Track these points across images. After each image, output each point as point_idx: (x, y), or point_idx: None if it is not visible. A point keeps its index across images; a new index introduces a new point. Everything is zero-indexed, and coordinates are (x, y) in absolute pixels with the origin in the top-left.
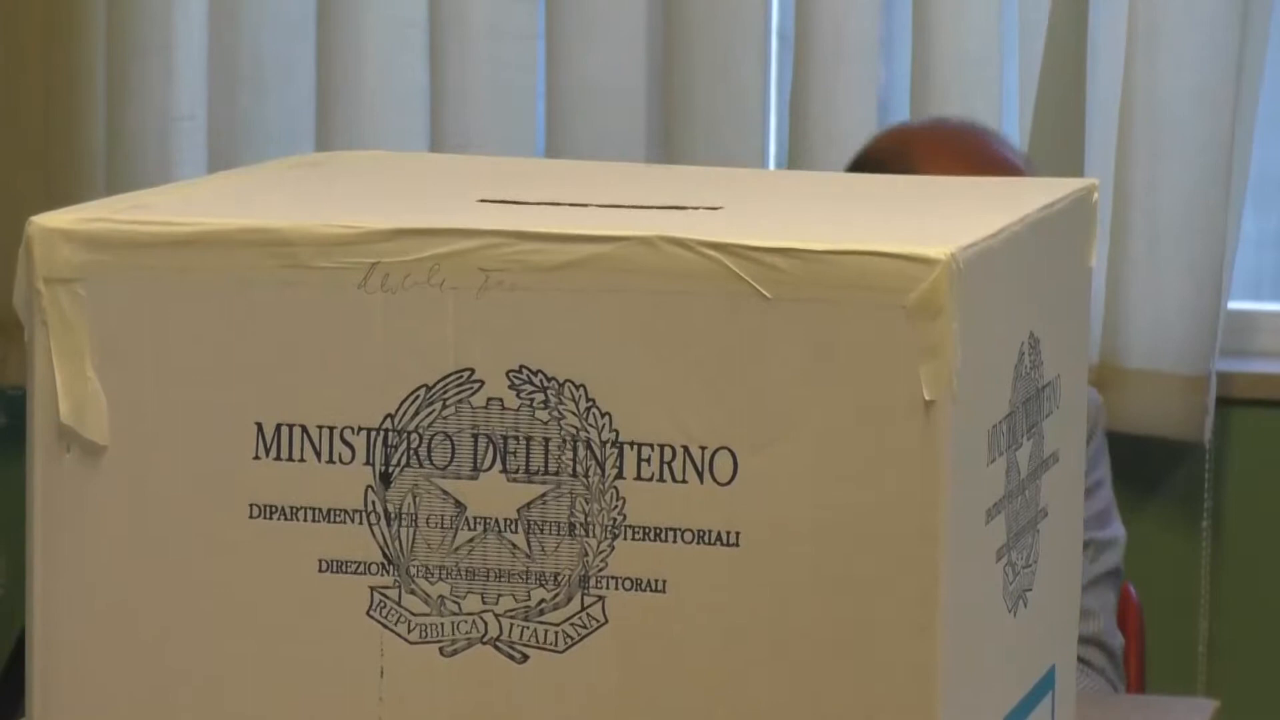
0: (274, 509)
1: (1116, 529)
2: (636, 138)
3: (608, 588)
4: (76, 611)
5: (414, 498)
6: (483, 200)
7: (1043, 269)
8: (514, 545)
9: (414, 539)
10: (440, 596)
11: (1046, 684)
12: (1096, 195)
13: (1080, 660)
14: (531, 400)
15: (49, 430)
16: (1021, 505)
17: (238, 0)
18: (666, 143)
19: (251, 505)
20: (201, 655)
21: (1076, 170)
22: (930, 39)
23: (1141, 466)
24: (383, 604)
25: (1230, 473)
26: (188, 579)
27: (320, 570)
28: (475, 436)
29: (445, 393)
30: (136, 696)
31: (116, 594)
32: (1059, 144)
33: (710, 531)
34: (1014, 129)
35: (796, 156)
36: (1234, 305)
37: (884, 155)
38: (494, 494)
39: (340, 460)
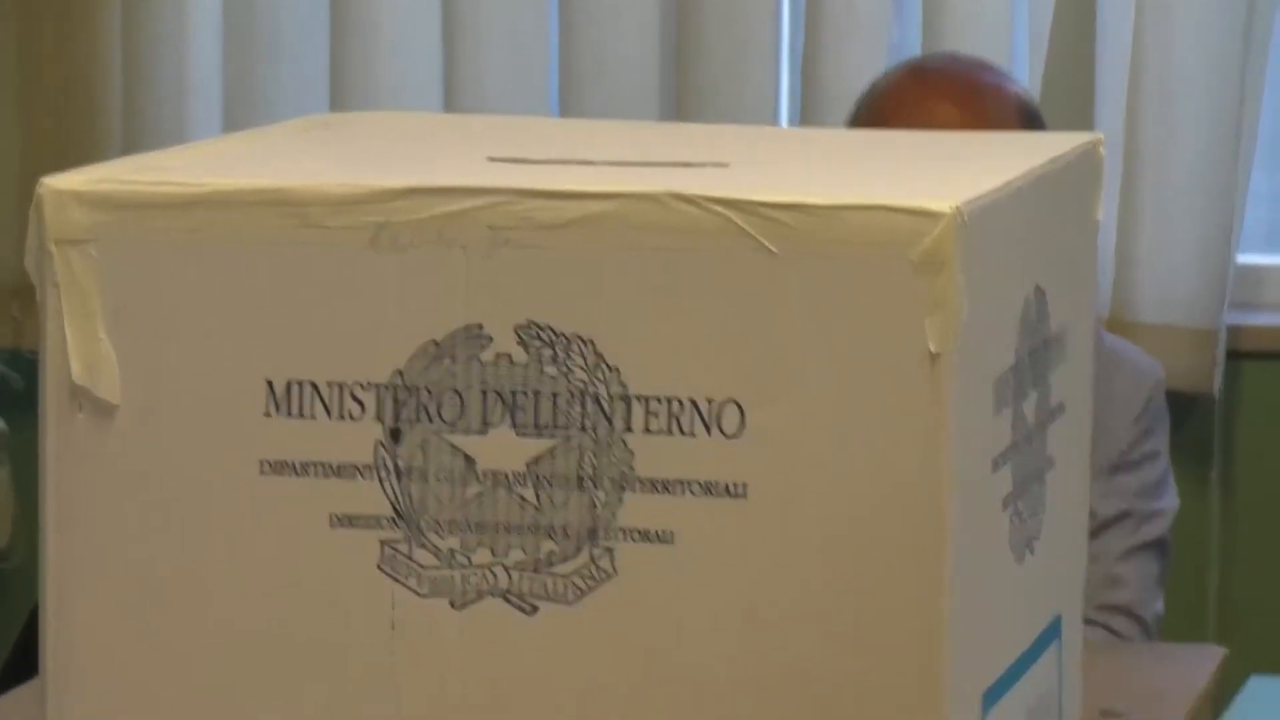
0: (285, 465)
1: (1168, 500)
2: (650, 99)
3: (616, 540)
4: (89, 569)
5: (424, 453)
6: (492, 159)
7: (1049, 222)
8: (523, 499)
9: (424, 494)
10: (450, 550)
11: (1053, 632)
12: (1103, 149)
13: (1109, 629)
14: (540, 356)
15: (61, 390)
16: (1028, 455)
17: None
18: (679, 103)
19: (262, 462)
20: (214, 610)
21: (1087, 127)
22: (938, 3)
23: None
24: (394, 558)
25: (1239, 424)
26: (200, 536)
27: (331, 525)
28: (484, 392)
29: (454, 349)
30: (149, 652)
31: (129, 552)
32: (1069, 102)
33: (718, 484)
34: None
35: (808, 117)
36: (1243, 259)
37: (885, 94)
38: (503, 448)
39: (350, 416)
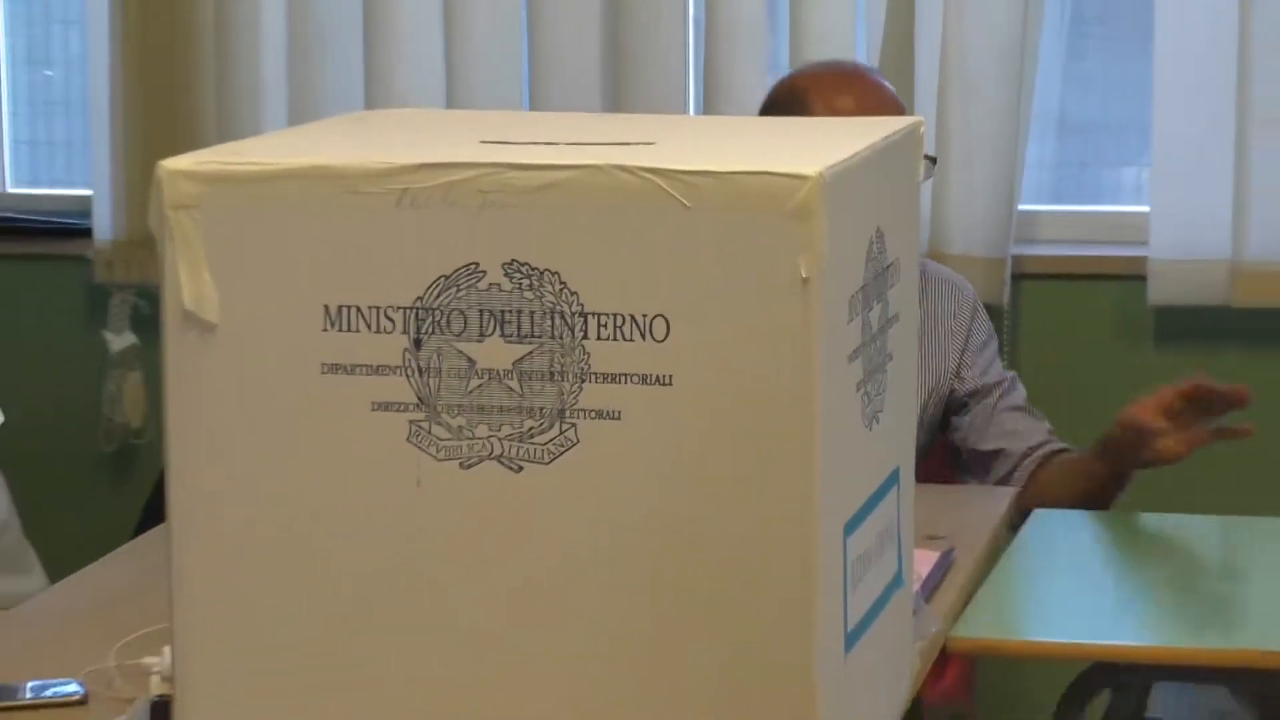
0: (338, 366)
1: (1005, 371)
2: (594, 96)
3: (579, 418)
4: (197, 441)
5: (438, 356)
6: (482, 142)
7: (885, 181)
8: (510, 388)
9: (439, 386)
10: (459, 426)
11: (893, 479)
12: (923, 129)
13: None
14: (520, 284)
15: (176, 315)
16: (874, 351)
17: None
18: (616, 98)
19: (322, 364)
20: (286, 473)
21: (910, 110)
22: (801, 21)
23: None
24: (418, 433)
25: (1021, 326)
26: (276, 420)
27: (371, 410)
28: (481, 311)
29: (458, 281)
30: (241, 498)
31: (225, 433)
32: (897, 90)
33: (651, 375)
34: None
35: (709, 108)
36: (1023, 207)
37: (794, 88)
38: (495, 352)
39: (384, 330)
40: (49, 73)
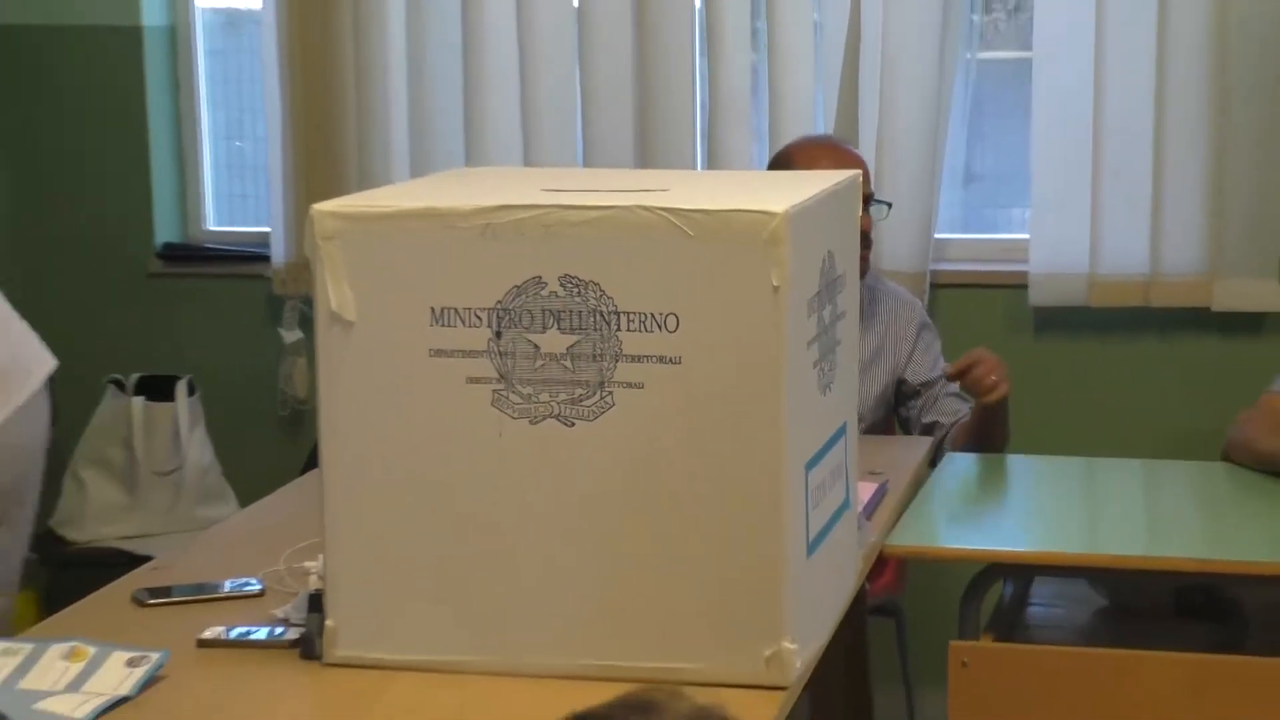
0: (441, 352)
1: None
2: (628, 156)
3: (614, 387)
4: (341, 410)
5: (513, 343)
6: (544, 189)
7: (834, 216)
8: (565, 366)
9: (514, 365)
10: (528, 394)
11: (842, 431)
12: (860, 178)
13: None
14: (571, 292)
15: (325, 315)
16: (826, 339)
17: (421, 65)
18: (643, 157)
19: (429, 350)
20: (404, 428)
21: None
22: (776, 102)
23: None
24: (499, 398)
25: (937, 322)
26: (397, 391)
27: (466, 383)
28: (543, 311)
29: (526, 289)
30: (372, 450)
31: (360, 401)
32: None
33: (666, 356)
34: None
35: (712, 165)
36: (938, 235)
37: (788, 154)
38: (553, 341)
39: (474, 325)
40: (239, 144)
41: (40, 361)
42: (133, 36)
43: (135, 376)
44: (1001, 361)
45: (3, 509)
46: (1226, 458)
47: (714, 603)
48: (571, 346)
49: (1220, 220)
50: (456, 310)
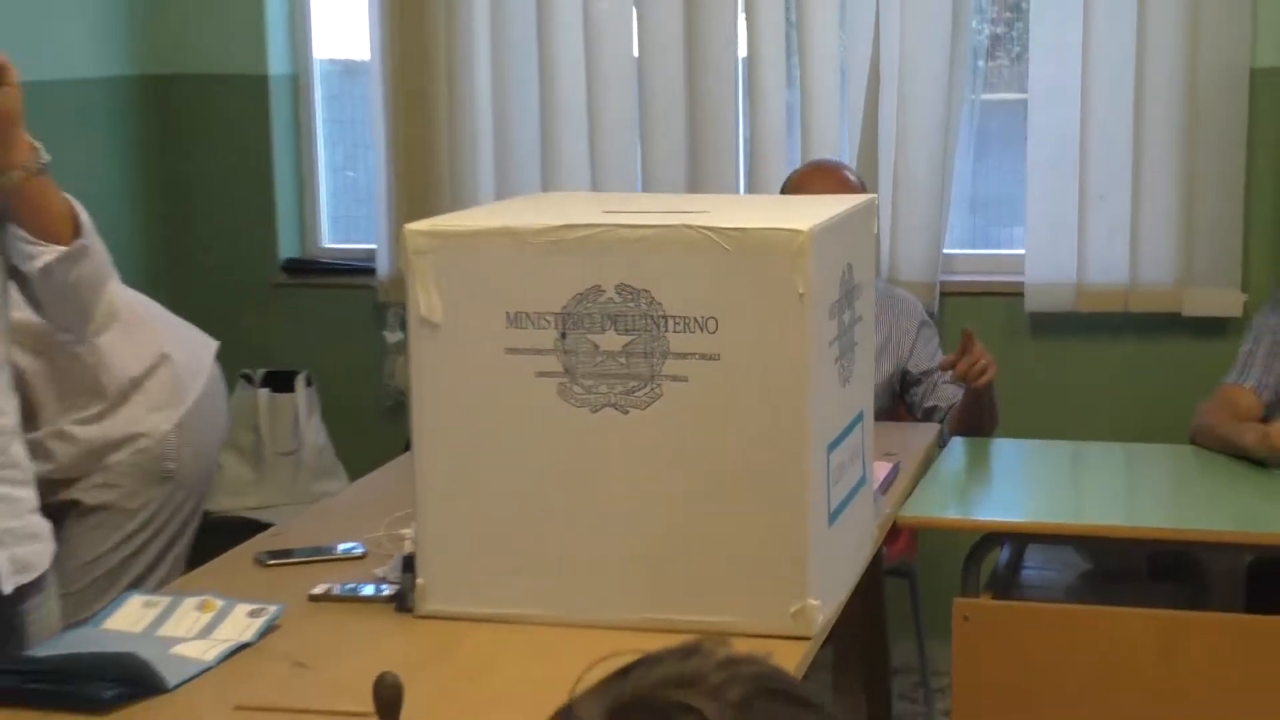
0: (515, 350)
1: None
2: (680, 181)
3: (663, 381)
4: (431, 401)
5: (576, 343)
6: (606, 210)
7: (853, 233)
8: (621, 362)
9: (577, 362)
10: (589, 386)
11: (859, 418)
12: (876, 202)
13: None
14: (627, 298)
15: (418, 319)
16: (846, 339)
17: (504, 106)
18: (691, 182)
19: (505, 348)
20: (484, 416)
21: (875, 190)
22: (808, 136)
23: None
24: (564, 390)
25: (945, 326)
26: (477, 384)
27: (535, 377)
28: (602, 315)
29: (588, 296)
30: (457, 434)
31: (446, 393)
32: (868, 180)
33: (707, 354)
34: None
35: (752, 189)
36: (946, 250)
37: (796, 179)
38: (611, 341)
39: (543, 327)
40: (350, 174)
41: (206, 345)
42: (261, 84)
43: (262, 371)
44: (986, 351)
45: (208, 464)
46: (1193, 441)
47: (748, 565)
48: (626, 345)
49: (1190, 238)
50: (528, 314)
